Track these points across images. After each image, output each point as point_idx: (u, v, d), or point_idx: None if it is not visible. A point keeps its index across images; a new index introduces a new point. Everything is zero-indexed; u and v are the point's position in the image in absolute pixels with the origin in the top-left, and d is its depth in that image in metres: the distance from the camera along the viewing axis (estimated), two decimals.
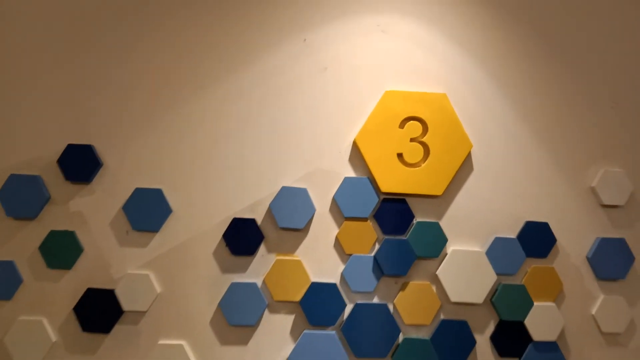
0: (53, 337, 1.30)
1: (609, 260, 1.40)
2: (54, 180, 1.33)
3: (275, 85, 1.38)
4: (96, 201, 1.34)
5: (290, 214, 1.36)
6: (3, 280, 1.30)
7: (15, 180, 1.31)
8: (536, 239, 1.39)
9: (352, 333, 1.35)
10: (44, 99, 1.34)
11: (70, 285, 1.32)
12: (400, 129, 1.38)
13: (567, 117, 1.43)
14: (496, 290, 1.38)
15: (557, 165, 1.42)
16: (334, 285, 1.36)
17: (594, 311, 1.39)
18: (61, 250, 1.31)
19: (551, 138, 1.42)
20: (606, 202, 1.41)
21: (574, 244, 1.41)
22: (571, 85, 1.44)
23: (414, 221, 1.39)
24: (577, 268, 1.41)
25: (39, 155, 1.33)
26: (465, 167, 1.40)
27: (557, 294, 1.38)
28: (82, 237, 1.32)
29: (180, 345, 1.32)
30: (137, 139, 1.35)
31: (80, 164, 1.32)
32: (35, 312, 1.31)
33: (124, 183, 1.34)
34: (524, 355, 1.37)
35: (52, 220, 1.32)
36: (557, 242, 1.40)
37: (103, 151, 1.34)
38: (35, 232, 1.32)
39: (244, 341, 1.35)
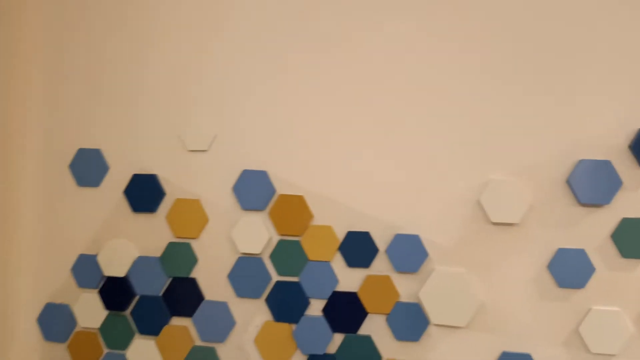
0: (631, 328, 1.26)
1: None
2: (625, 165, 1.26)
3: None
4: None
5: None
6: (574, 268, 1.28)
7: (585, 165, 1.26)
8: None
9: None
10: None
11: None
12: None
13: None
14: None
15: None
16: None
17: None
18: None
19: None
20: None
21: None
22: None
23: None
24: None
25: (609, 139, 1.27)
26: None
27: None
28: None
29: None
30: None
31: None
32: (609, 302, 1.28)
33: None
34: None
35: (623, 206, 1.26)
36: None
37: None
38: (605, 219, 1.27)
39: None
